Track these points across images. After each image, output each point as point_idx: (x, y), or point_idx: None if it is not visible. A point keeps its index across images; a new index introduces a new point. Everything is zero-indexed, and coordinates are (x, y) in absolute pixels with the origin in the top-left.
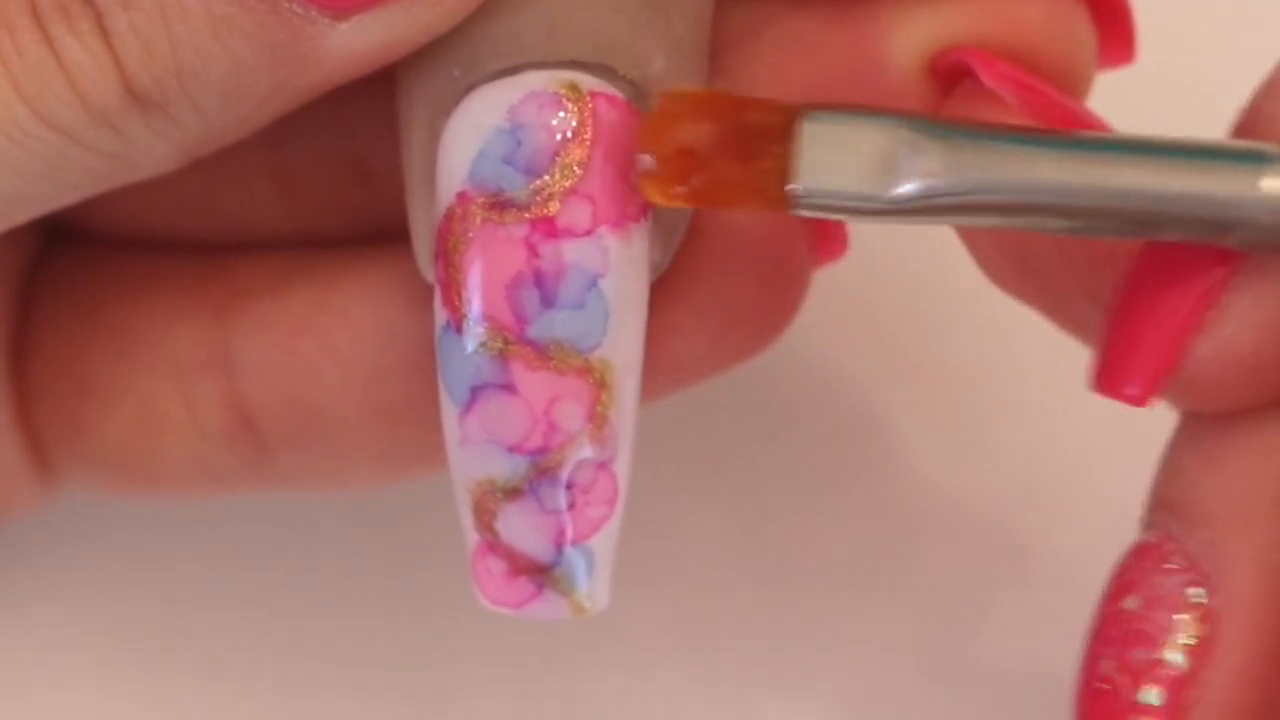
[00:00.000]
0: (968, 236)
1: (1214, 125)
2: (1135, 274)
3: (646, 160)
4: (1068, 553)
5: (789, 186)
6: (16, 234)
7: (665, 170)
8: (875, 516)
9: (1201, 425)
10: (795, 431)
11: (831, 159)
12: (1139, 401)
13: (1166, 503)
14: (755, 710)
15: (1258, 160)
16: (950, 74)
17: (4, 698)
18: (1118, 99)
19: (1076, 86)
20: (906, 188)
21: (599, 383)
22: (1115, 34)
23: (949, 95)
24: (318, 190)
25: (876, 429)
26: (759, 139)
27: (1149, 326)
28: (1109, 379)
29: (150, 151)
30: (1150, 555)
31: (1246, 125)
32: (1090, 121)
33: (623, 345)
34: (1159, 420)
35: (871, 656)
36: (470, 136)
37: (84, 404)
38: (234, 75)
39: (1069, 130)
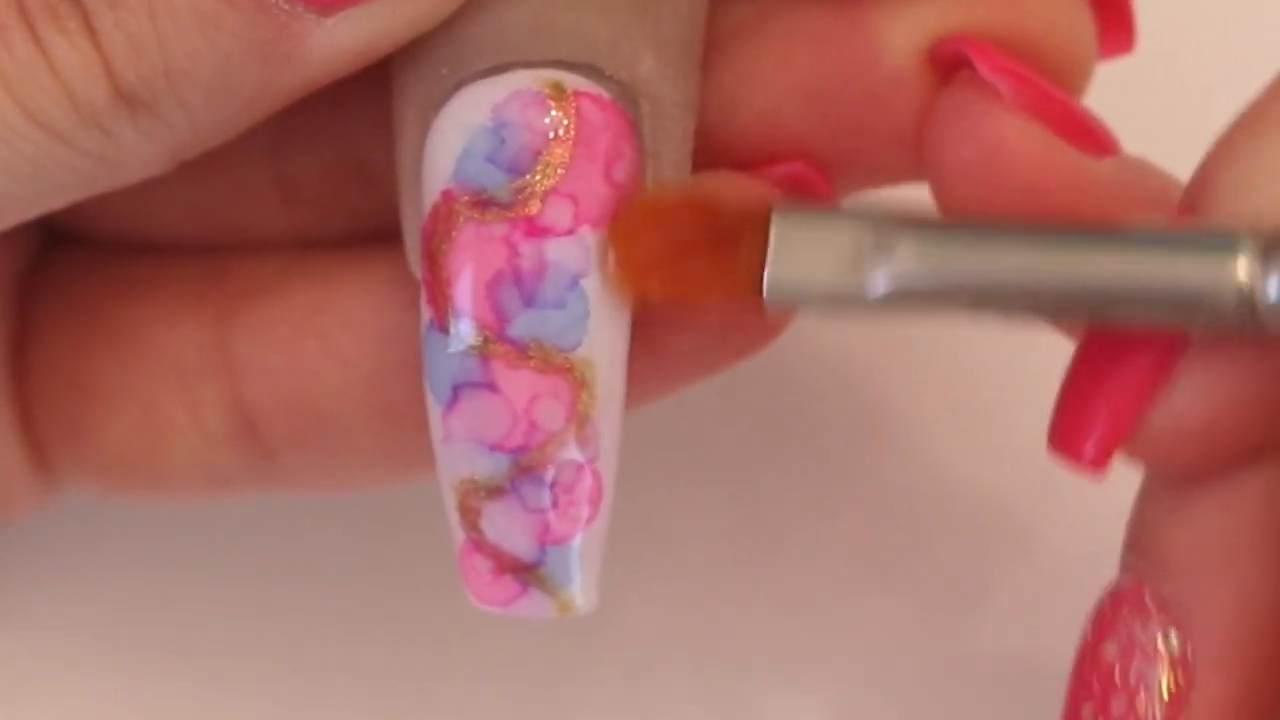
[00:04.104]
0: None
1: (1213, 115)
2: (1090, 338)
3: (619, 250)
4: (1073, 546)
5: (760, 283)
6: (15, 236)
7: (636, 263)
8: (877, 512)
9: (1166, 478)
10: (795, 427)
11: (802, 254)
12: (1094, 468)
13: (1139, 548)
14: (756, 707)
15: (1227, 246)
16: (948, 63)
17: (3, 699)
18: (1116, 91)
19: (1077, 76)
20: (876, 283)
21: (580, 382)
22: (1115, 23)
23: (946, 85)
24: (319, 193)
25: (878, 424)
26: (730, 234)
27: (1102, 394)
28: (1064, 442)
29: (137, 153)
30: (1126, 601)
31: (1196, 190)
32: (1083, 116)
33: (605, 344)
34: None
35: (874, 653)
36: (455, 135)
37: (85, 407)
38: (221, 73)
39: (1036, 218)
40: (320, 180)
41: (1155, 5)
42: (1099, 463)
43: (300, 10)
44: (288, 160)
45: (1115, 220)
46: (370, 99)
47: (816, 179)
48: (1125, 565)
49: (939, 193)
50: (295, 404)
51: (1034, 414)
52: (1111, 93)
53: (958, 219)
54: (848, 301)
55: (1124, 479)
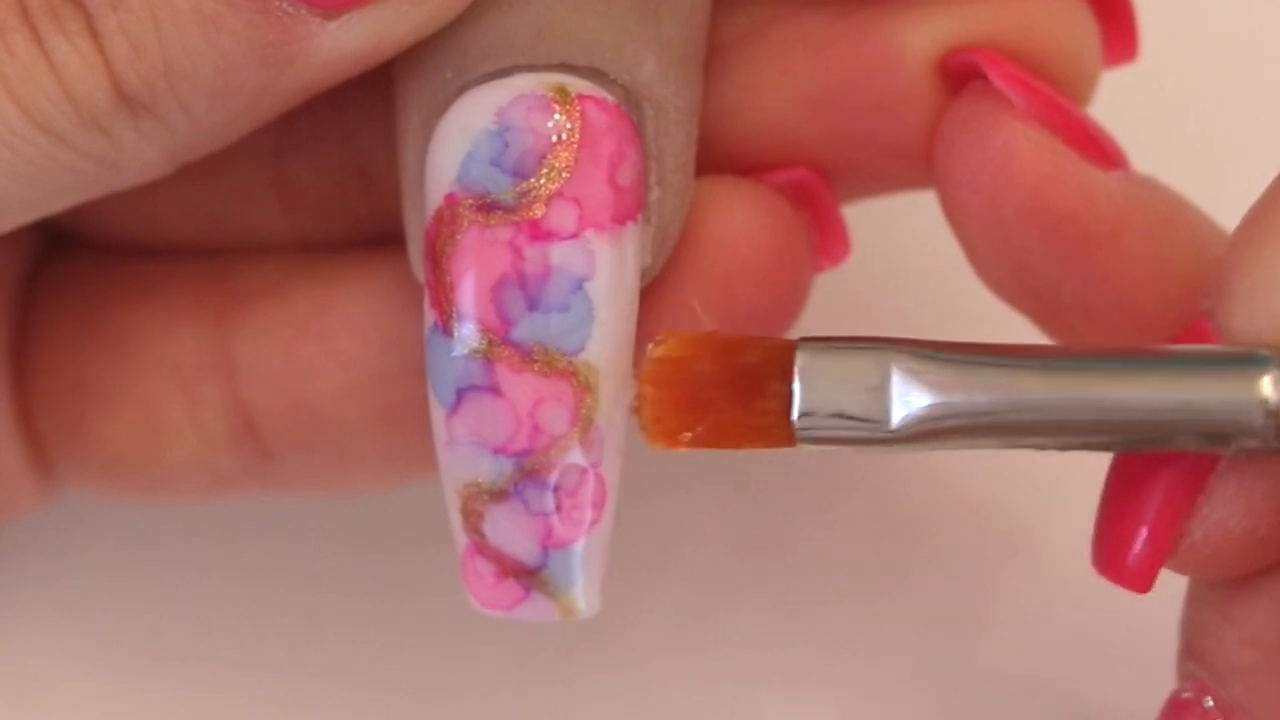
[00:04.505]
0: (965, 242)
1: (1214, 122)
2: (1123, 460)
3: (648, 408)
4: (1073, 556)
5: (790, 425)
6: (17, 239)
7: (667, 418)
8: (876, 517)
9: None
10: None
11: (828, 395)
12: (1140, 588)
13: (1194, 653)
14: (757, 713)
15: (1254, 365)
16: (959, 73)
17: (3, 698)
18: (1121, 98)
19: (1081, 85)
20: (904, 418)
21: (584, 386)
22: (1118, 32)
23: (956, 95)
24: (321, 197)
25: None
26: (757, 378)
27: (1140, 514)
28: (1109, 564)
29: (138, 156)
30: (1190, 711)
31: (1211, 299)
32: (1093, 129)
33: (609, 349)
34: None
35: (873, 658)
36: (459, 138)
37: (85, 408)
38: (223, 75)
39: (1060, 347)
40: (321, 183)
41: (1158, 15)
42: (1144, 583)
43: (304, 13)
44: (289, 163)
45: (1140, 345)
46: (372, 102)
47: (819, 185)
48: (1183, 672)
49: (947, 202)
50: (295, 406)
51: None
52: (1117, 105)
53: (980, 349)
54: (877, 438)
55: None
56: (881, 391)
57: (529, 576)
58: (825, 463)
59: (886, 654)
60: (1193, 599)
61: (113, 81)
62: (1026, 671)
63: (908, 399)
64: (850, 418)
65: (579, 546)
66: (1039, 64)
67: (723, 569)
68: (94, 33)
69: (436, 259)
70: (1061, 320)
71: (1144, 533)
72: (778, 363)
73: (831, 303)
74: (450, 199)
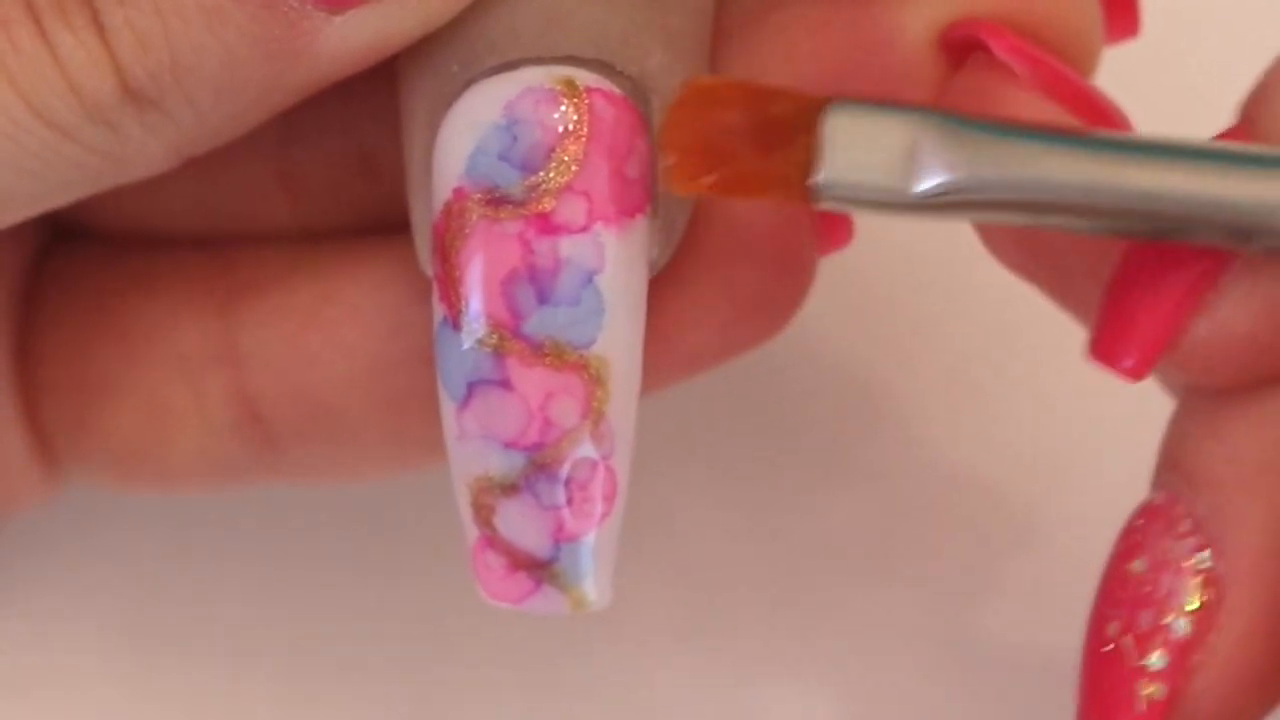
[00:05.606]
0: None
1: (1219, 101)
2: (1136, 247)
3: (669, 151)
4: (1076, 531)
5: (811, 179)
6: (20, 231)
7: (688, 162)
8: (880, 503)
9: (1204, 393)
10: (800, 418)
11: (855, 152)
12: (1135, 375)
13: (1174, 464)
14: (759, 698)
15: None
16: (961, 46)
17: (4, 694)
18: (1123, 77)
19: (1084, 60)
20: (929, 183)
21: (595, 379)
22: (1120, 7)
23: (959, 68)
24: (324, 187)
25: (882, 414)
26: (783, 130)
27: (1147, 302)
28: (1106, 350)
29: (144, 149)
30: (1158, 517)
31: (1252, 104)
32: (1096, 97)
33: (619, 342)
34: (1164, 396)
35: (879, 641)
36: (467, 132)
37: (90, 400)
38: (228, 70)
39: (1095, 129)
40: (324, 173)
41: None
42: (1140, 371)
43: (310, 9)
44: (292, 154)
45: (1176, 138)
46: (374, 92)
47: None
48: (1158, 482)
49: None
50: (300, 395)
51: (1035, 404)
52: (1118, 77)
53: (1015, 124)
54: (899, 203)
55: (1124, 470)
56: (908, 157)
57: (540, 569)
58: (826, 450)
59: (888, 639)
60: (1181, 411)
61: (118, 76)
62: (1030, 657)
63: (933, 167)
64: (872, 180)
65: (590, 539)
66: (1041, 38)
67: (721, 556)
68: (100, 27)
69: (445, 253)
70: (1073, 291)
71: (1146, 322)
72: (805, 117)
73: (836, 288)
74: (458, 193)
